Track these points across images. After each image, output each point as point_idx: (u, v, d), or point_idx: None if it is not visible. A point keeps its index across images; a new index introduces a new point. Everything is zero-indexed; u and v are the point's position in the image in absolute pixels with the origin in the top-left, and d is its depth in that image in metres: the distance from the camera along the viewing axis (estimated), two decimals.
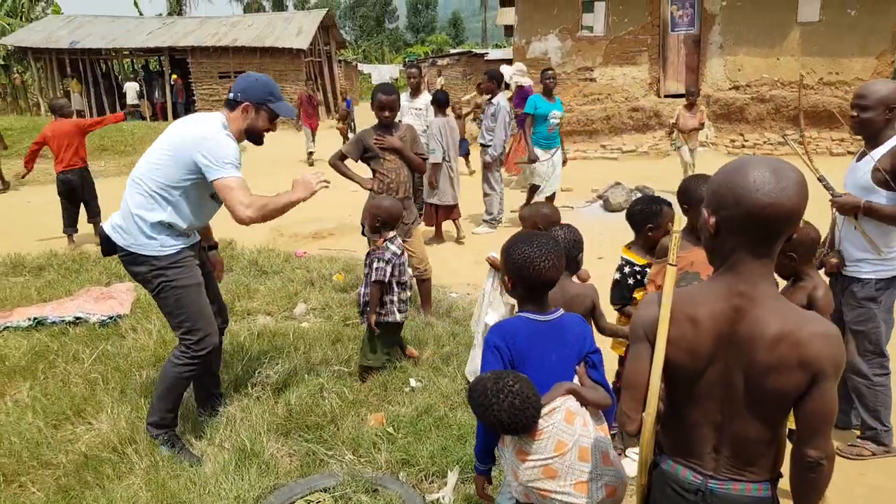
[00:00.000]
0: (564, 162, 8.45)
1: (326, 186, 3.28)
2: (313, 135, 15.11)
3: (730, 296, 1.54)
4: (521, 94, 10.68)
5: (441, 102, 7.75)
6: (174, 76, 24.27)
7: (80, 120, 8.12)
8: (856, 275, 3.35)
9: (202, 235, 3.67)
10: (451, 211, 7.84)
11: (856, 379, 3.40)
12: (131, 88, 24.28)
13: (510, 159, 11.07)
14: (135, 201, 3.20)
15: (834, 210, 3.41)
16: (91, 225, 8.20)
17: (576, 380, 2.13)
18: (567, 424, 2.01)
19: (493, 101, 8.39)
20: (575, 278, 3.09)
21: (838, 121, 13.37)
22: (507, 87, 10.96)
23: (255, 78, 3.39)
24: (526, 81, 11.09)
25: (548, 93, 8.04)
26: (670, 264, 1.69)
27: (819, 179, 3.42)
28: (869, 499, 3.12)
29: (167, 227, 3.21)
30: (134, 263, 3.24)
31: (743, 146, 13.91)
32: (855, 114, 3.27)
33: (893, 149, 3.17)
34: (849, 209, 3.31)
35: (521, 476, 2.03)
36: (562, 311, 2.21)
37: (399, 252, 4.10)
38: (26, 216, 9.65)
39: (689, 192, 3.00)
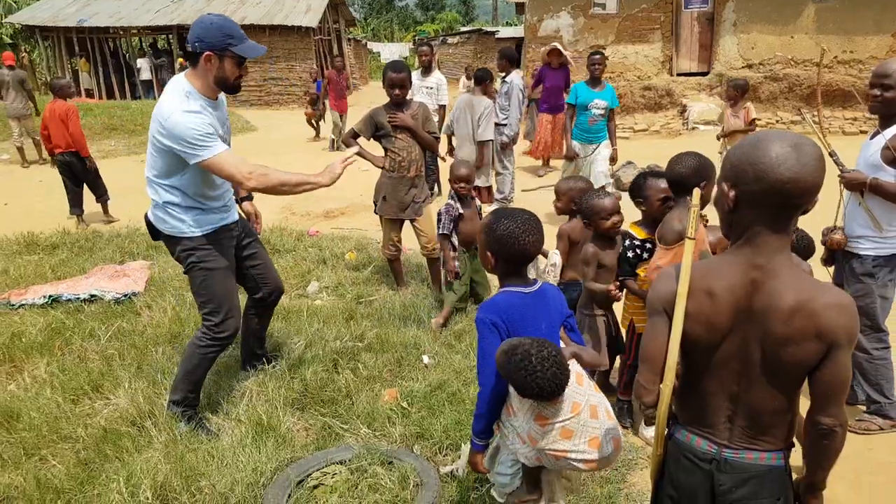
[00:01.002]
0: (613, 159, 7.39)
1: (351, 163, 3.21)
2: (342, 118, 13.26)
3: (748, 269, 1.56)
4: (564, 74, 10.17)
5: (479, 79, 7.51)
6: (180, 59, 24.14)
7: (72, 110, 7.86)
8: (855, 251, 3.41)
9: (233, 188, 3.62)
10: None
11: (856, 354, 3.43)
12: (144, 64, 24.25)
13: (546, 148, 10.30)
14: (150, 191, 3.20)
15: (841, 185, 3.42)
16: (99, 205, 8.24)
17: (561, 343, 2.22)
18: (578, 386, 2.10)
19: (507, 79, 8.32)
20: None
21: (852, 99, 13.24)
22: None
23: (210, 21, 3.01)
24: (570, 58, 10.35)
25: (594, 80, 7.05)
26: (689, 238, 1.69)
27: (830, 154, 3.43)
28: (877, 473, 3.14)
29: (189, 208, 3.17)
30: (170, 244, 3.28)
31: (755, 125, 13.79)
32: (877, 93, 3.24)
33: None
34: (856, 185, 3.34)
35: (539, 441, 2.08)
36: (540, 281, 2.29)
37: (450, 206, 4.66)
38: (37, 195, 9.69)
39: (671, 172, 3.07)
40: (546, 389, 1.99)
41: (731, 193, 1.55)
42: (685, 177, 2.99)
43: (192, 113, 2.94)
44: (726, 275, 1.59)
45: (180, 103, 2.95)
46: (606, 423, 2.12)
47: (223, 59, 3.02)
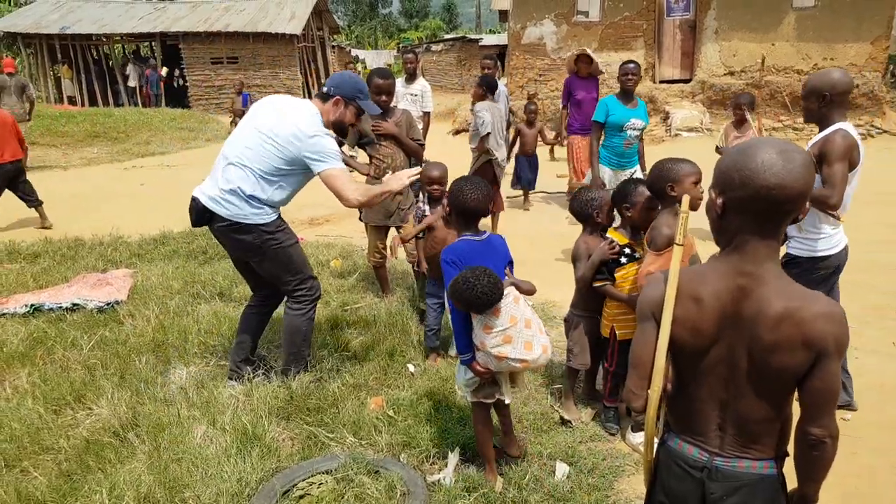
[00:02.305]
0: None
1: (415, 178, 3.66)
2: None
3: (735, 275, 1.57)
4: (595, 85, 8.47)
5: (492, 87, 7.20)
6: (164, 69, 24.00)
7: (12, 117, 8.24)
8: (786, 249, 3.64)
9: None
10: None
11: None
12: (133, 71, 24.15)
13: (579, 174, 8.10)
14: (239, 180, 3.46)
15: None
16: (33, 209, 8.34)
17: (506, 277, 2.91)
18: (514, 304, 2.78)
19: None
20: None
21: None
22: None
23: (349, 75, 3.75)
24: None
25: (626, 94, 5.96)
26: (677, 244, 1.70)
27: None
28: (861, 477, 3.16)
29: (265, 203, 3.52)
30: (238, 232, 3.53)
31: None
32: (808, 104, 3.51)
33: (826, 136, 3.33)
34: None
35: (487, 344, 2.76)
36: (489, 233, 2.99)
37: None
38: (17, 204, 9.57)
39: (653, 179, 3.19)
40: (487, 295, 2.66)
41: (719, 200, 1.56)
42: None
43: (328, 136, 3.51)
44: (713, 281, 1.60)
45: (320, 126, 3.50)
46: (538, 335, 2.81)
47: (348, 107, 3.63)
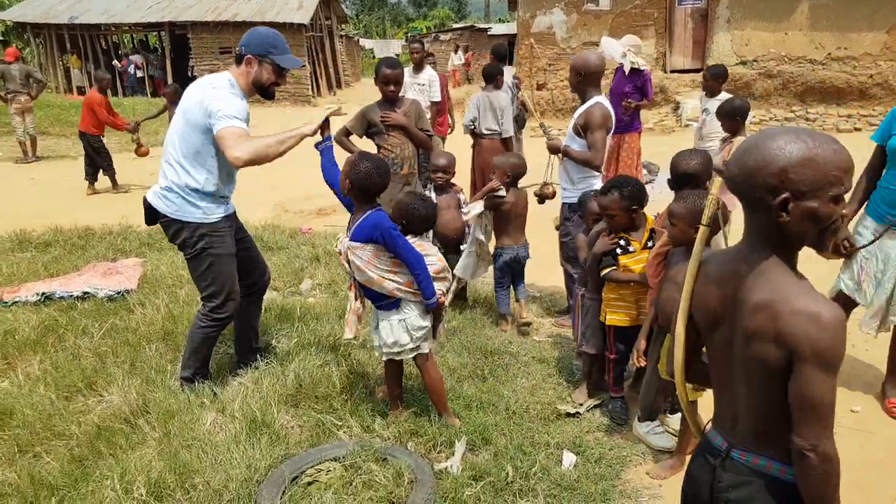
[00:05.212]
0: None
1: (338, 113, 3.55)
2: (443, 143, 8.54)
3: (738, 260, 1.56)
4: (633, 82, 7.40)
5: (491, 76, 7.14)
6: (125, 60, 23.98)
7: (97, 101, 9.55)
8: (563, 199, 4.49)
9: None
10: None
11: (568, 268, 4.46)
12: (134, 62, 24.17)
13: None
14: (169, 172, 3.40)
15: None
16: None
17: None
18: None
19: None
20: None
21: (846, 96, 13.30)
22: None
23: (259, 31, 3.47)
24: (641, 63, 7.39)
25: None
26: (704, 225, 1.70)
27: (540, 125, 4.85)
28: (871, 469, 3.15)
29: (208, 195, 3.41)
30: (174, 227, 3.45)
31: (749, 122, 13.82)
32: (573, 79, 4.32)
33: (587, 108, 4.20)
34: (553, 149, 4.43)
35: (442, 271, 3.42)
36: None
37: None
38: (28, 194, 9.65)
39: (680, 167, 3.32)
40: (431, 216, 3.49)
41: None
42: (694, 173, 3.28)
43: (235, 95, 3.35)
44: (721, 263, 1.61)
45: (227, 87, 3.34)
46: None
47: (262, 65, 3.40)
